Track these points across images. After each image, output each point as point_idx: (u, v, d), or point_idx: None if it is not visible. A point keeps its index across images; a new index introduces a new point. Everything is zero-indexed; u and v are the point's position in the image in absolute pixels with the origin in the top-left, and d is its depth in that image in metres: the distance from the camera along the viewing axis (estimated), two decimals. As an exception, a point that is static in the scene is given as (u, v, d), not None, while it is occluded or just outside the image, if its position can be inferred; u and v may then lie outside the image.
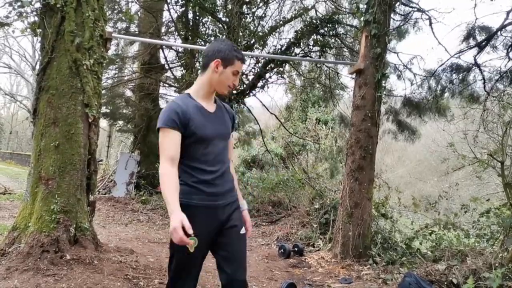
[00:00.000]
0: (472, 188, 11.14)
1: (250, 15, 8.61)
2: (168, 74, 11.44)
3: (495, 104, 5.68)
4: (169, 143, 1.96)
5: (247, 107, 10.81)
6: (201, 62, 2.39)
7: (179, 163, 1.99)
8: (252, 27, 8.62)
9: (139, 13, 10.69)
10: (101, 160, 13.43)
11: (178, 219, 1.83)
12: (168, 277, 2.11)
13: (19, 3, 4.06)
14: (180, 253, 1.99)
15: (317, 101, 15.88)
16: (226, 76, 2.07)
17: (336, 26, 8.26)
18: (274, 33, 8.81)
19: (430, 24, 6.00)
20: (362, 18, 5.09)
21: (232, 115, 2.31)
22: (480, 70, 5.94)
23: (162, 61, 10.95)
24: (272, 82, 9.25)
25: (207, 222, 2.00)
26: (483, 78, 5.93)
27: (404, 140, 7.65)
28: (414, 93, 6.91)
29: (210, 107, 2.14)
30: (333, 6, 8.62)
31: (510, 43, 5.51)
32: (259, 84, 8.91)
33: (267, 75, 8.83)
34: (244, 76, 8.82)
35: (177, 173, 1.96)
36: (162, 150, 1.98)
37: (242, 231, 2.12)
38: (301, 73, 11.61)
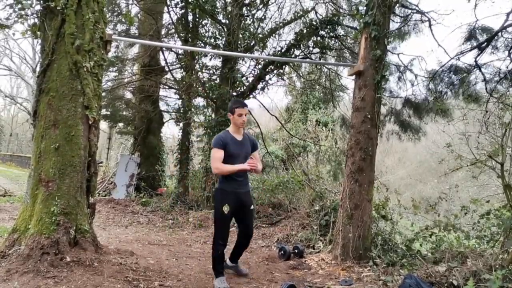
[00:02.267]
0: (472, 189, 11.13)
1: (250, 17, 8.63)
2: (168, 76, 11.48)
3: (497, 105, 5.67)
4: (218, 155, 3.72)
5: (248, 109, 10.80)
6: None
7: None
8: (252, 29, 8.64)
9: (139, 15, 10.72)
10: (101, 162, 13.44)
11: (242, 165, 3.73)
12: (214, 234, 3.84)
13: (19, 6, 4.07)
14: (221, 215, 3.75)
15: (317, 103, 15.90)
16: (236, 119, 3.83)
17: (336, 27, 8.27)
18: (274, 35, 8.82)
19: (430, 26, 6.01)
20: (361, 20, 5.09)
21: (252, 141, 4.04)
22: (481, 71, 5.94)
23: (162, 63, 10.98)
24: (272, 84, 9.28)
25: (234, 199, 3.78)
26: (485, 79, 5.93)
27: (409, 140, 7.64)
28: (415, 94, 6.92)
29: (239, 137, 3.90)
30: (333, 8, 8.63)
31: (511, 45, 5.51)
32: (259, 86, 8.92)
33: (267, 77, 8.84)
34: (244, 78, 8.83)
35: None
36: (215, 158, 3.72)
37: (251, 208, 4.02)
38: (301, 75, 11.62)
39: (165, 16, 10.83)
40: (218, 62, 9.12)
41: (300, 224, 6.54)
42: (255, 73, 8.81)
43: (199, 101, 10.39)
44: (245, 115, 3.82)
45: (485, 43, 5.66)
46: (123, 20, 9.61)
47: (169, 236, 6.34)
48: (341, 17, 8.21)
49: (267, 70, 8.61)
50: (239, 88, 8.75)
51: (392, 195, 5.89)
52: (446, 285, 3.60)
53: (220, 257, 3.80)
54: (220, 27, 8.73)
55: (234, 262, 4.24)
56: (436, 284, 3.65)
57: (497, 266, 3.46)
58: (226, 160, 3.71)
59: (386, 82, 5.01)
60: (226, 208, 3.69)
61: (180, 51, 10.00)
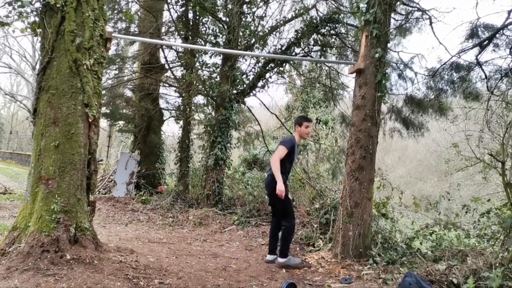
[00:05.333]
0: (472, 188, 11.13)
1: (251, 14, 8.60)
2: (168, 74, 11.43)
3: (499, 104, 5.66)
4: (284, 153, 4.57)
5: (248, 107, 10.81)
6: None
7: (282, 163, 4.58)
8: (252, 27, 8.61)
9: (139, 13, 10.68)
10: (101, 160, 13.44)
11: (282, 185, 4.35)
12: (288, 217, 4.64)
13: (19, 3, 4.05)
14: (289, 201, 4.66)
15: (318, 102, 15.89)
16: (303, 130, 4.80)
17: (337, 25, 8.25)
18: (274, 32, 8.80)
19: (431, 23, 6.00)
20: (362, 18, 5.08)
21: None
22: (482, 69, 5.93)
23: (162, 61, 10.94)
24: (272, 82, 9.25)
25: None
26: (486, 77, 5.92)
27: (411, 137, 7.64)
28: (415, 92, 6.92)
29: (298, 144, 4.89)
30: (334, 6, 8.59)
31: (513, 42, 5.50)
32: (260, 84, 8.89)
33: (268, 75, 8.81)
34: (244, 76, 8.81)
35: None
36: (280, 154, 4.54)
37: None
38: (301, 73, 11.60)
39: (165, 14, 10.81)
40: (218, 60, 9.10)
41: (300, 222, 6.55)
42: (255, 71, 8.78)
43: (199, 99, 10.39)
44: (310, 128, 4.83)
45: (487, 41, 5.65)
46: (123, 17, 9.58)
47: (169, 234, 6.35)
48: (342, 15, 8.18)
49: (267, 68, 8.59)
50: (239, 86, 8.74)
51: (394, 192, 5.88)
52: (446, 283, 3.60)
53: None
54: (221, 25, 8.71)
55: (275, 254, 4.78)
56: (436, 282, 3.65)
57: (497, 265, 3.46)
58: (288, 158, 4.62)
59: (387, 80, 4.98)
60: (290, 195, 4.78)
61: (180, 49, 9.97)
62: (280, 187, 4.28)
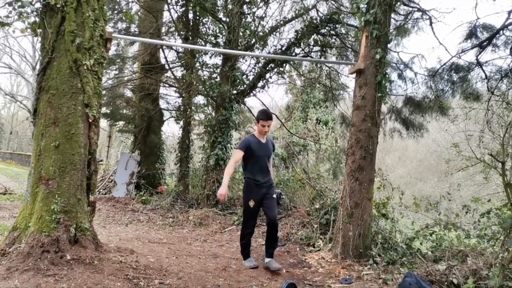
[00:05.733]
0: (472, 188, 11.12)
1: (251, 15, 8.60)
2: (168, 74, 11.44)
3: (499, 104, 5.66)
4: (238, 156, 4.38)
5: (248, 107, 10.81)
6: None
7: (244, 168, 4.53)
8: (252, 27, 8.61)
9: (139, 13, 10.69)
10: (101, 160, 13.44)
11: (223, 189, 4.17)
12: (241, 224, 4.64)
13: (19, 3, 4.06)
14: (246, 206, 4.47)
15: (318, 102, 15.88)
16: (260, 128, 4.45)
17: (337, 26, 8.25)
18: (274, 33, 8.80)
19: (431, 24, 6.00)
20: (362, 18, 5.08)
21: (272, 144, 4.70)
22: (482, 69, 5.94)
23: (163, 61, 10.95)
24: (272, 82, 9.25)
25: (257, 193, 4.42)
26: (486, 77, 5.92)
27: (411, 137, 7.64)
28: (416, 93, 6.92)
29: (263, 140, 4.51)
30: (334, 6, 8.59)
31: (512, 42, 5.51)
32: (260, 84, 8.90)
33: (268, 75, 8.81)
34: (245, 76, 8.81)
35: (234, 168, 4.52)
36: (233, 157, 4.44)
37: (273, 196, 4.48)
38: (301, 73, 11.59)
39: (166, 14, 10.82)
40: (218, 60, 9.11)
41: (301, 222, 6.54)
42: (256, 71, 8.79)
43: (200, 99, 10.39)
44: (268, 127, 4.44)
45: (487, 41, 5.65)
46: (123, 18, 9.59)
47: (169, 234, 6.35)
48: (342, 15, 8.18)
49: (267, 68, 8.59)
50: (239, 87, 8.74)
51: (395, 192, 5.88)
52: (446, 283, 3.60)
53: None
54: (221, 25, 8.71)
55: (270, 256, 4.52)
56: (436, 282, 3.65)
57: (497, 265, 3.46)
58: (250, 159, 4.39)
59: (387, 81, 4.98)
60: (251, 203, 4.42)
61: (181, 49, 9.98)
62: (220, 191, 4.15)
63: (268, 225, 4.44)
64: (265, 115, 4.45)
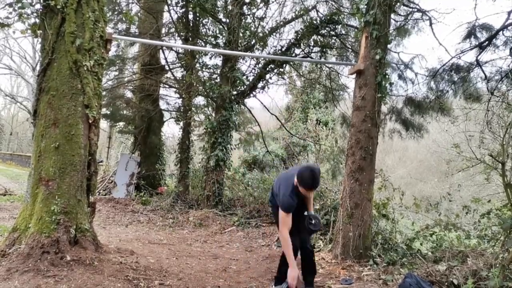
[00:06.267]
0: (473, 188, 11.12)
1: (250, 16, 8.61)
2: (169, 75, 11.45)
3: (499, 104, 5.67)
4: (288, 220, 3.41)
5: (248, 108, 10.81)
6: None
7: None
8: (252, 28, 8.62)
9: (139, 14, 10.70)
10: (101, 161, 13.44)
11: (296, 272, 3.32)
12: None
13: (19, 5, 4.06)
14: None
15: (318, 103, 15.89)
16: (303, 191, 3.41)
17: (337, 26, 8.26)
18: (274, 33, 8.81)
19: (431, 24, 6.00)
20: (362, 19, 5.08)
21: None
22: (482, 70, 5.94)
23: (163, 62, 10.96)
24: (272, 83, 9.26)
25: None
26: (486, 78, 5.92)
27: (411, 138, 7.64)
28: (416, 93, 6.92)
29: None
30: (334, 7, 8.60)
31: (512, 43, 5.51)
32: (260, 85, 8.91)
33: (268, 76, 8.82)
34: (245, 77, 8.82)
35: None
36: (284, 223, 3.40)
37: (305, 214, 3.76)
38: (301, 73, 11.60)
39: (166, 15, 10.83)
40: (218, 61, 9.12)
41: (301, 223, 6.53)
42: (256, 72, 8.79)
43: (200, 100, 10.40)
44: (310, 194, 3.69)
45: (486, 42, 5.66)
46: (123, 19, 9.60)
47: (169, 235, 6.34)
48: (342, 16, 8.18)
49: (267, 69, 8.60)
50: (239, 87, 8.74)
51: (396, 193, 5.88)
52: (446, 284, 3.60)
53: None
54: (221, 26, 8.72)
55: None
56: (436, 283, 3.65)
57: (497, 265, 3.46)
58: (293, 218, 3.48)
59: (387, 82, 4.98)
60: None
61: (181, 50, 9.99)
62: (292, 274, 3.31)
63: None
64: (313, 184, 3.43)
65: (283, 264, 3.61)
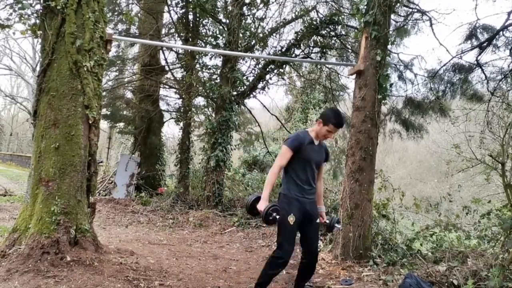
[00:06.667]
0: (473, 189, 11.12)
1: (250, 16, 8.62)
2: (169, 75, 11.46)
3: (500, 105, 5.67)
4: (286, 156, 3.21)
5: (248, 108, 10.82)
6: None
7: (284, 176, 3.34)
8: (252, 29, 8.62)
9: (139, 14, 10.70)
10: (101, 162, 13.44)
11: (263, 205, 3.11)
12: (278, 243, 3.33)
13: (19, 5, 4.07)
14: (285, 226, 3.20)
15: (318, 103, 15.89)
16: (323, 131, 3.25)
17: (337, 27, 8.26)
18: (274, 34, 8.81)
19: (431, 25, 6.00)
20: (362, 20, 5.08)
21: (326, 151, 3.48)
22: (482, 70, 5.94)
23: (163, 62, 10.97)
24: (272, 83, 9.27)
25: (299, 208, 3.23)
26: (486, 78, 5.92)
27: (411, 138, 7.63)
28: (416, 94, 6.92)
29: (316, 142, 3.34)
30: (334, 7, 8.60)
31: (512, 44, 5.51)
32: (260, 85, 8.91)
33: (267, 76, 8.82)
34: (245, 77, 8.82)
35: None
36: (281, 156, 3.21)
37: (317, 221, 3.45)
38: (301, 74, 11.61)
39: (166, 16, 10.84)
40: (218, 62, 9.12)
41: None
42: (256, 73, 8.80)
43: (200, 100, 10.40)
44: (333, 134, 3.36)
45: (486, 42, 5.66)
46: (123, 19, 9.60)
47: (169, 235, 6.34)
48: (342, 17, 8.19)
49: (267, 69, 8.60)
50: (239, 88, 8.74)
51: (396, 193, 5.88)
52: (446, 284, 3.60)
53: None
54: (221, 27, 8.72)
55: None
56: (437, 283, 3.65)
57: (497, 266, 3.46)
58: (297, 163, 3.23)
59: (387, 82, 4.98)
60: (291, 219, 3.17)
61: (181, 51, 9.99)
62: (259, 207, 3.12)
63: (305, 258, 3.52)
64: (339, 121, 3.23)
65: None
